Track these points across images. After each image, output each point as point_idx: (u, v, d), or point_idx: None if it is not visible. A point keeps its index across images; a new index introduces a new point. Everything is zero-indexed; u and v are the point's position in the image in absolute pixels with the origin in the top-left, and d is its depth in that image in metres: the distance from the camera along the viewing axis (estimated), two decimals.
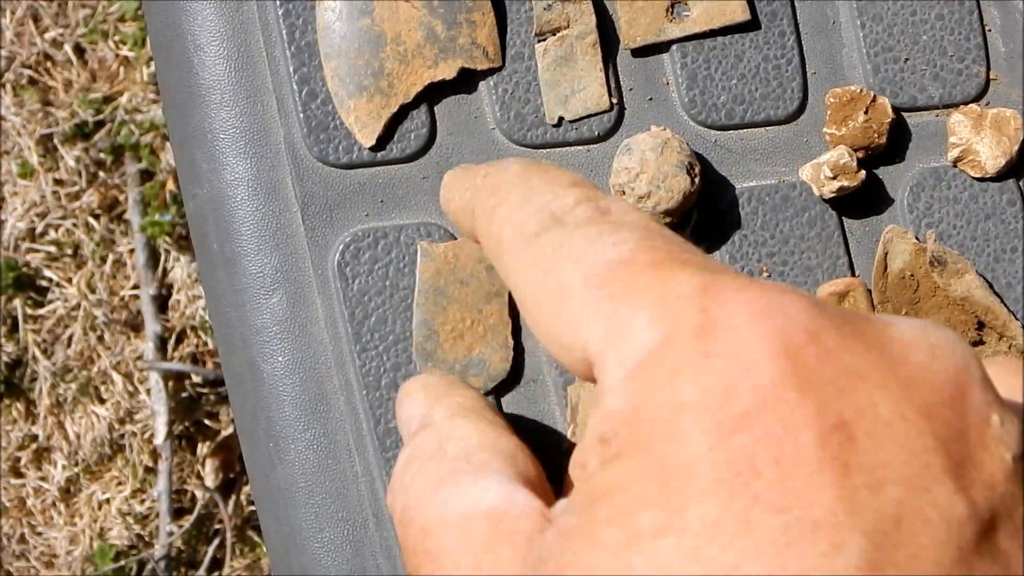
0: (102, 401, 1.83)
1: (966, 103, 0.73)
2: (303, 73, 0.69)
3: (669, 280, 0.44)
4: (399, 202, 0.69)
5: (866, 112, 0.71)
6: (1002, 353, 0.71)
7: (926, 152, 0.73)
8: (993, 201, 0.73)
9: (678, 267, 0.44)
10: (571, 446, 0.68)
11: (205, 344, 1.85)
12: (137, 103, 1.84)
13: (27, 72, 1.85)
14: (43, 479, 1.83)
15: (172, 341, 1.84)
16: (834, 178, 0.70)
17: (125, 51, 1.86)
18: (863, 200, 0.72)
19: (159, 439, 1.79)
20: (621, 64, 0.71)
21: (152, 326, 1.81)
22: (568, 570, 0.42)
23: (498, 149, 0.70)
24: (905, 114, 0.73)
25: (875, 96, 0.71)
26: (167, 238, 1.81)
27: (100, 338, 1.84)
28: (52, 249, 1.83)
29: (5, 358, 1.82)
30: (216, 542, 1.82)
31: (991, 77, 0.74)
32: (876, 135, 0.71)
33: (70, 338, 1.83)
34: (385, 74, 0.69)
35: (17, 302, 1.82)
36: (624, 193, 0.68)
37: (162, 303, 1.83)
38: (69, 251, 1.84)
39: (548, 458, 0.70)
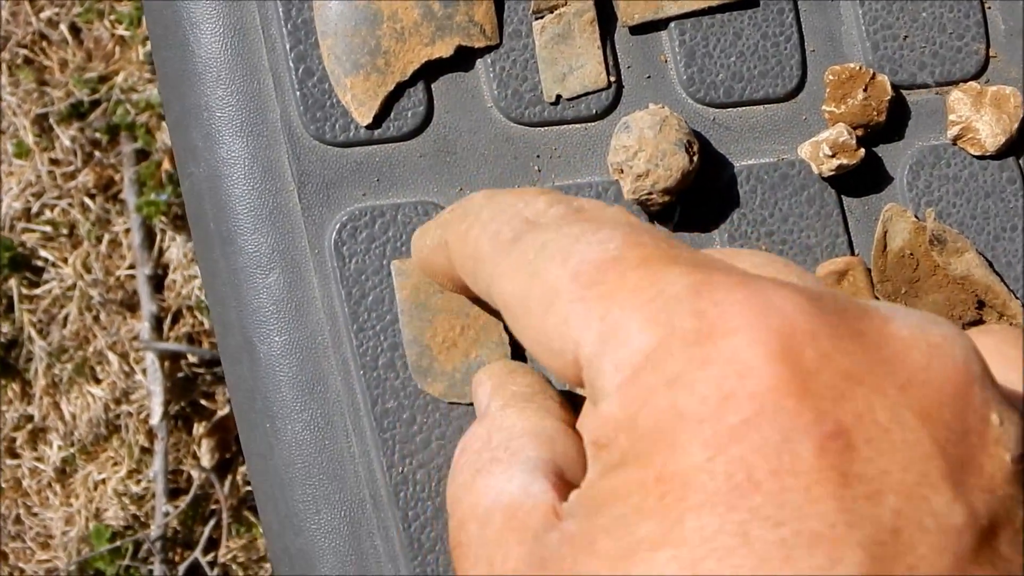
0: (98, 381, 1.83)
1: (965, 81, 0.73)
2: (299, 51, 0.68)
3: (660, 279, 0.43)
4: (396, 181, 0.69)
5: (865, 90, 0.71)
6: None
7: (926, 130, 0.73)
8: (993, 179, 0.73)
9: (668, 264, 0.44)
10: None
11: (201, 324, 1.85)
12: (133, 83, 1.84)
13: (22, 52, 1.84)
14: (39, 460, 1.83)
15: (168, 321, 1.83)
16: (833, 156, 0.70)
17: (121, 30, 1.85)
18: (862, 178, 0.72)
19: (155, 419, 1.79)
20: (619, 41, 0.71)
21: (148, 306, 1.81)
22: None
23: (495, 127, 0.70)
24: (904, 92, 0.73)
25: (874, 74, 0.71)
26: (163, 218, 1.80)
27: (96, 318, 1.83)
28: (48, 229, 1.82)
29: (0, 338, 1.82)
30: (212, 522, 1.82)
31: (991, 54, 0.74)
32: (875, 113, 0.71)
33: (66, 318, 1.83)
34: (382, 52, 0.68)
35: (13, 282, 1.82)
36: (622, 171, 0.68)
37: (158, 283, 1.83)
38: (65, 231, 1.83)
39: None
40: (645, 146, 0.67)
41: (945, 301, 0.70)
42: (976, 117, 0.72)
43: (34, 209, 1.83)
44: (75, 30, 1.87)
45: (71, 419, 1.83)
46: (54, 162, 1.83)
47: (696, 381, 0.41)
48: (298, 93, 0.68)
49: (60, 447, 1.83)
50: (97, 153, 1.84)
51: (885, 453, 0.40)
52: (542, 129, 0.70)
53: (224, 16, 0.69)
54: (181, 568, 1.81)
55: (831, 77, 0.71)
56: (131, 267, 1.83)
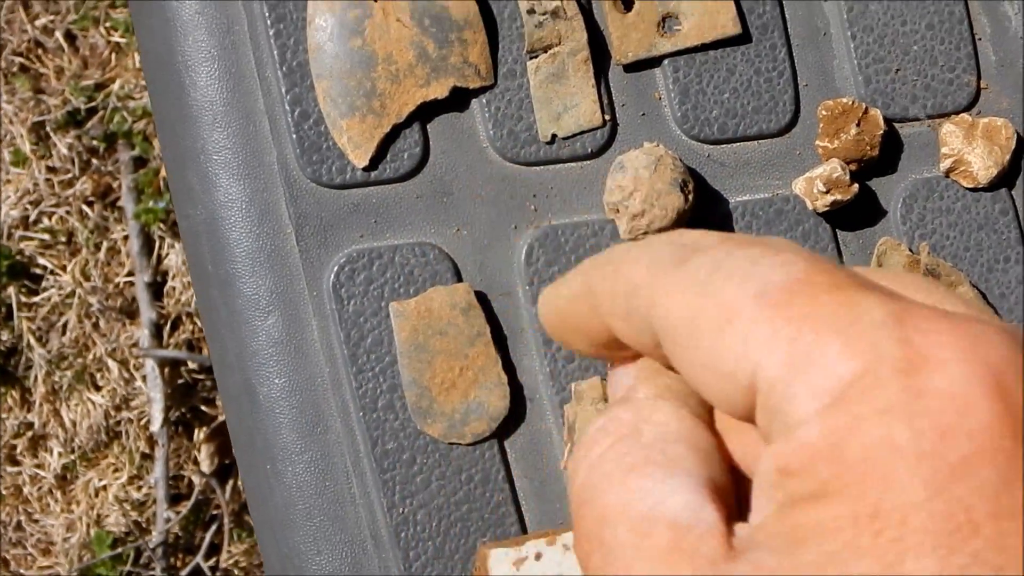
0: (98, 388, 1.83)
1: (957, 113, 0.73)
2: (295, 94, 0.69)
3: (856, 305, 0.41)
4: (393, 222, 0.69)
5: (858, 124, 0.71)
6: None
7: (918, 163, 0.73)
8: (986, 211, 0.73)
9: (862, 291, 0.42)
10: (568, 463, 0.69)
11: (200, 330, 1.85)
12: (129, 90, 1.84)
13: (18, 60, 1.84)
14: (39, 466, 1.83)
15: (167, 328, 1.84)
16: (827, 192, 0.70)
17: (116, 37, 1.85)
18: (856, 212, 0.72)
19: (155, 426, 1.79)
20: (613, 79, 0.71)
21: (147, 313, 1.81)
22: None
23: (491, 167, 0.70)
24: (897, 124, 0.73)
25: (867, 108, 0.71)
26: (161, 225, 1.81)
27: (95, 325, 1.84)
28: (46, 237, 1.82)
29: (0, 346, 1.82)
30: (213, 528, 1.83)
31: (982, 86, 0.74)
32: (868, 147, 0.71)
33: (65, 325, 1.83)
34: (377, 94, 0.68)
35: (11, 290, 1.82)
36: (618, 211, 0.68)
37: (157, 290, 1.83)
38: (63, 239, 1.83)
39: (546, 475, 0.70)
40: (640, 186, 0.68)
41: None
42: (968, 149, 0.72)
43: (32, 217, 1.83)
44: (71, 37, 1.87)
45: (71, 426, 1.83)
46: (52, 170, 1.83)
47: (913, 414, 0.39)
48: (294, 136, 0.68)
49: (61, 454, 1.83)
50: (95, 161, 1.84)
51: None
52: (538, 168, 0.71)
53: (219, 59, 0.69)
54: (183, 573, 1.81)
55: (824, 112, 0.72)
56: (130, 274, 1.83)
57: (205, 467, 1.84)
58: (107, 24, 1.86)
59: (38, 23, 1.86)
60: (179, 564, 1.84)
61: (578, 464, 0.50)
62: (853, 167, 0.71)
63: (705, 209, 0.71)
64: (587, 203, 0.71)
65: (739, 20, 0.71)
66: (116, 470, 1.84)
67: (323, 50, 0.68)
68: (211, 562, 1.82)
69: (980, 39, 0.74)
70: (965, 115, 0.73)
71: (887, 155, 0.73)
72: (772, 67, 0.72)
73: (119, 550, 1.81)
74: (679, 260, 0.46)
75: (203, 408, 1.84)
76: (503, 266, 0.70)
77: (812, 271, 0.43)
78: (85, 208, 1.83)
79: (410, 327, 0.68)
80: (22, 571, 1.83)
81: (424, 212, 0.70)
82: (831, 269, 0.43)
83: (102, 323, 1.83)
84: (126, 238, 1.83)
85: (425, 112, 0.70)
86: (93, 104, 1.84)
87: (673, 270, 0.46)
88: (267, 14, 0.68)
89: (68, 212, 1.83)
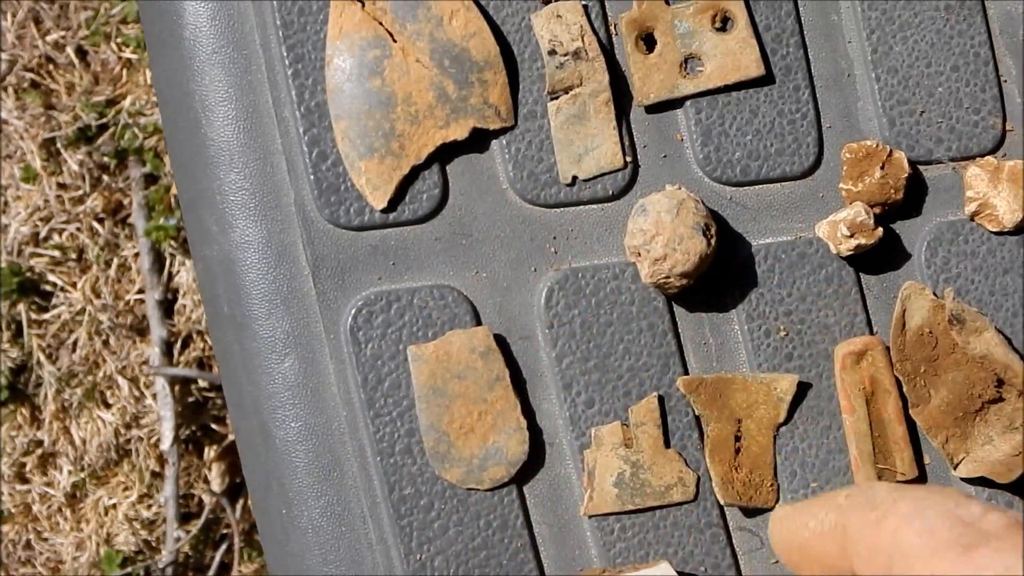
0: (108, 406, 1.83)
1: (982, 155, 0.73)
2: (313, 134, 0.68)
3: None
4: (412, 264, 0.69)
5: (882, 167, 0.70)
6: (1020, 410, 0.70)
7: (943, 206, 0.72)
8: (1011, 255, 0.72)
9: None
10: (588, 509, 0.68)
11: (211, 348, 1.84)
12: (140, 106, 1.83)
13: (29, 75, 1.84)
14: (49, 485, 1.82)
15: (178, 345, 1.83)
16: (851, 236, 0.69)
17: (128, 53, 1.85)
18: (880, 255, 0.71)
19: (165, 444, 1.79)
20: (635, 120, 0.70)
21: (158, 331, 1.81)
22: None
23: (511, 209, 0.69)
24: (921, 167, 0.72)
25: (891, 151, 0.71)
26: (172, 242, 1.80)
27: (105, 343, 1.83)
28: (56, 254, 1.82)
29: (10, 363, 1.81)
30: (224, 547, 1.82)
31: (1007, 128, 0.73)
32: (893, 191, 0.70)
33: (75, 343, 1.82)
34: (396, 135, 0.68)
35: (21, 307, 1.81)
36: (640, 255, 0.68)
37: (168, 307, 1.82)
38: (73, 256, 1.83)
39: (565, 521, 0.69)
40: (662, 230, 0.67)
41: (964, 380, 0.70)
42: (993, 193, 0.71)
43: (42, 234, 1.82)
44: (82, 53, 1.86)
45: (81, 444, 1.82)
46: (62, 186, 1.83)
47: None
48: (312, 177, 0.68)
49: (70, 472, 1.82)
50: (105, 177, 1.84)
51: None
52: (558, 210, 0.70)
53: (236, 99, 0.68)
54: None
55: (848, 155, 0.71)
56: (140, 292, 1.83)
57: (215, 486, 1.83)
58: (118, 40, 1.85)
59: (49, 39, 1.85)
60: None
61: None
62: (877, 210, 0.70)
63: (727, 252, 0.70)
64: (608, 246, 0.70)
65: (762, 61, 0.71)
66: (126, 488, 1.83)
67: (342, 90, 0.68)
68: None
69: (1006, 81, 0.73)
70: (990, 158, 0.72)
71: (911, 198, 0.72)
72: (795, 109, 0.71)
73: (128, 569, 1.80)
74: (963, 545, 0.45)
75: (213, 426, 1.83)
76: (523, 309, 0.69)
77: None
78: (96, 225, 1.83)
79: (428, 371, 0.67)
80: None
81: (443, 254, 0.69)
82: None
83: (112, 341, 1.83)
84: (137, 255, 1.82)
85: (444, 153, 0.69)
86: (104, 120, 1.83)
87: (955, 557, 0.45)
88: (285, 54, 0.68)
89: (78, 229, 1.82)
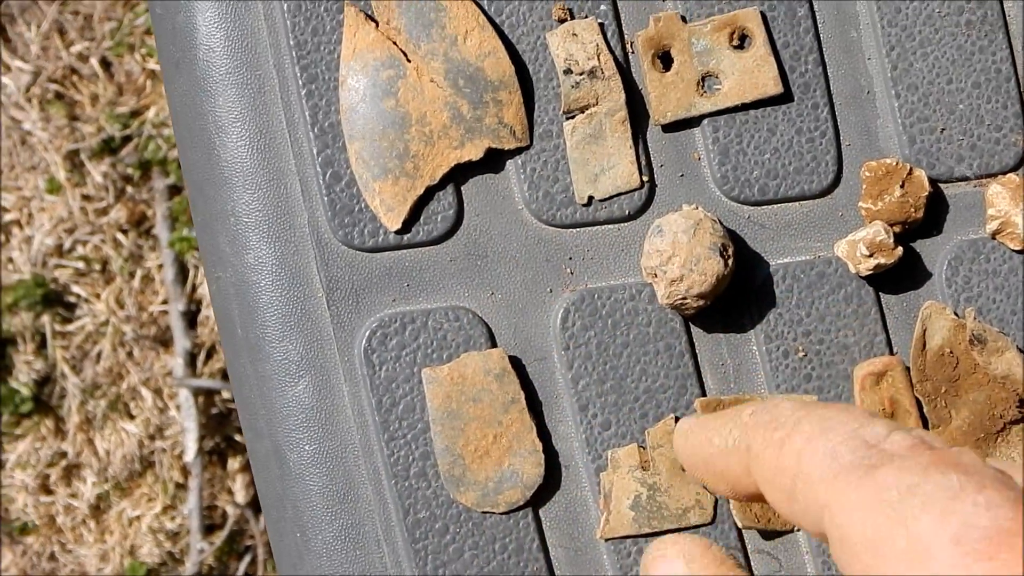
0: (132, 417, 1.83)
1: (1004, 173, 0.72)
2: (327, 155, 0.67)
3: None
4: (426, 286, 0.68)
5: (902, 186, 0.69)
6: None
7: (964, 224, 0.72)
8: None
9: None
10: (604, 532, 0.67)
11: None
12: (164, 117, 1.83)
13: (53, 87, 1.84)
14: (73, 496, 1.82)
15: (202, 357, 1.83)
16: (871, 256, 0.69)
17: (152, 64, 1.85)
18: (900, 275, 0.71)
19: (189, 455, 1.79)
20: (651, 139, 0.70)
21: (181, 342, 1.81)
22: None
23: (527, 229, 0.69)
24: (942, 185, 0.71)
25: (911, 169, 0.70)
26: (195, 253, 1.80)
27: (129, 354, 1.83)
28: (80, 265, 1.82)
29: (34, 375, 1.81)
30: (248, 559, 1.82)
31: None
32: (913, 209, 0.70)
33: (99, 354, 1.82)
34: (410, 156, 0.67)
35: (45, 318, 1.82)
36: (656, 276, 0.67)
37: (191, 319, 1.83)
38: (97, 267, 1.83)
39: (581, 544, 0.68)
40: (679, 251, 0.66)
41: (985, 400, 0.69)
42: (1015, 211, 0.71)
43: (66, 245, 1.82)
44: (106, 64, 1.87)
45: (105, 455, 1.82)
46: (86, 198, 1.83)
47: None
48: (326, 198, 0.67)
49: (94, 483, 1.82)
50: (129, 188, 1.84)
51: None
52: (574, 231, 0.69)
53: (250, 120, 0.68)
54: None
55: (867, 173, 0.70)
56: (164, 303, 1.83)
57: (239, 497, 1.83)
58: (143, 51, 1.85)
59: (73, 49, 1.85)
60: None
61: None
62: (897, 229, 0.70)
63: (745, 271, 0.70)
64: (625, 266, 0.69)
65: (780, 79, 0.70)
66: (150, 500, 1.83)
67: (355, 111, 0.67)
68: None
69: None
70: (1012, 175, 0.72)
71: (932, 216, 0.71)
72: (814, 127, 0.70)
73: None
74: (866, 467, 0.44)
75: (237, 438, 1.83)
76: (538, 330, 0.69)
77: (1017, 518, 0.40)
78: (119, 236, 1.83)
79: (443, 393, 0.67)
80: None
81: (458, 275, 0.68)
82: None
83: (136, 352, 1.83)
84: (160, 266, 1.83)
85: (459, 174, 0.68)
86: (128, 132, 1.83)
87: (857, 479, 0.44)
88: (299, 75, 0.67)
89: (102, 240, 1.82)
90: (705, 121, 0.70)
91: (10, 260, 1.81)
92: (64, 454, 1.83)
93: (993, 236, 0.71)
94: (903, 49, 0.71)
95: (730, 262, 0.67)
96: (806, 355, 0.70)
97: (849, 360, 0.70)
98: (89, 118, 1.84)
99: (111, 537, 1.82)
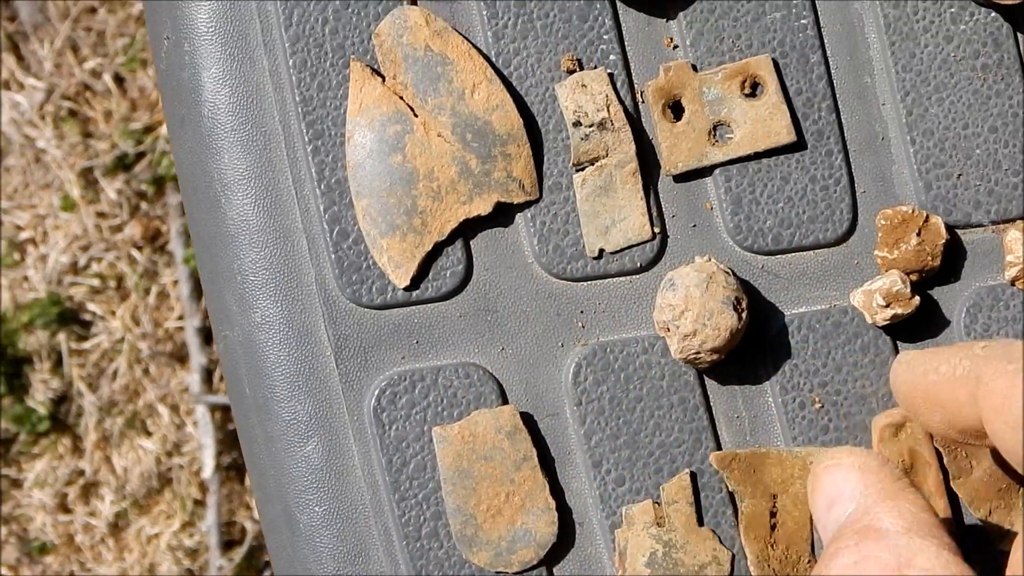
0: (149, 434, 1.82)
1: (1022, 218, 0.71)
2: (334, 212, 0.67)
3: None
4: (436, 342, 0.67)
5: (919, 234, 0.68)
6: None
7: (982, 271, 0.70)
8: None
9: None
10: None
11: None
12: None
13: (67, 104, 1.83)
14: (91, 514, 1.82)
15: (218, 372, 1.82)
16: (887, 306, 0.67)
17: None
18: (918, 323, 0.69)
19: (207, 472, 1.78)
20: (663, 189, 0.69)
21: (198, 358, 1.80)
22: None
23: (537, 283, 0.68)
24: (959, 231, 0.70)
25: (928, 216, 0.69)
26: None
27: (146, 371, 1.83)
28: (95, 282, 1.82)
29: (51, 394, 1.81)
30: (267, 574, 1.82)
31: None
32: (930, 257, 0.68)
33: (115, 372, 1.82)
34: (418, 212, 0.66)
35: (61, 336, 1.81)
36: (669, 330, 0.66)
37: (207, 334, 1.82)
38: (112, 284, 1.82)
39: None
40: (692, 305, 0.65)
41: None
42: None
43: (81, 263, 1.82)
44: (119, 80, 1.86)
45: (123, 473, 1.82)
46: (100, 215, 1.82)
47: None
48: (333, 255, 0.66)
49: (112, 501, 1.82)
50: (143, 205, 1.83)
51: None
52: (585, 284, 0.68)
53: (256, 177, 0.67)
54: None
55: (883, 221, 0.69)
56: (180, 319, 1.82)
57: (258, 513, 1.82)
58: None
59: (86, 66, 1.85)
60: None
61: None
62: (914, 277, 0.69)
63: (760, 322, 0.68)
64: (637, 319, 0.68)
65: (793, 127, 0.69)
66: (168, 517, 1.83)
67: (362, 167, 0.66)
68: None
69: None
70: None
71: (949, 263, 0.70)
72: (828, 174, 0.69)
73: None
74: None
75: None
76: (550, 386, 0.68)
77: None
78: (134, 253, 1.82)
79: (454, 452, 0.66)
80: None
81: (467, 331, 0.67)
82: None
83: (152, 369, 1.82)
84: (175, 283, 1.82)
85: (468, 229, 0.67)
86: (141, 148, 1.83)
87: None
88: (305, 131, 0.66)
89: (117, 257, 1.82)
90: (717, 171, 0.69)
91: (25, 278, 1.81)
92: (82, 472, 1.83)
93: (1012, 283, 0.70)
94: (918, 94, 0.70)
95: (744, 315, 0.66)
96: (823, 406, 0.69)
97: (867, 411, 0.69)
98: (103, 135, 1.84)
99: (130, 555, 1.82)
